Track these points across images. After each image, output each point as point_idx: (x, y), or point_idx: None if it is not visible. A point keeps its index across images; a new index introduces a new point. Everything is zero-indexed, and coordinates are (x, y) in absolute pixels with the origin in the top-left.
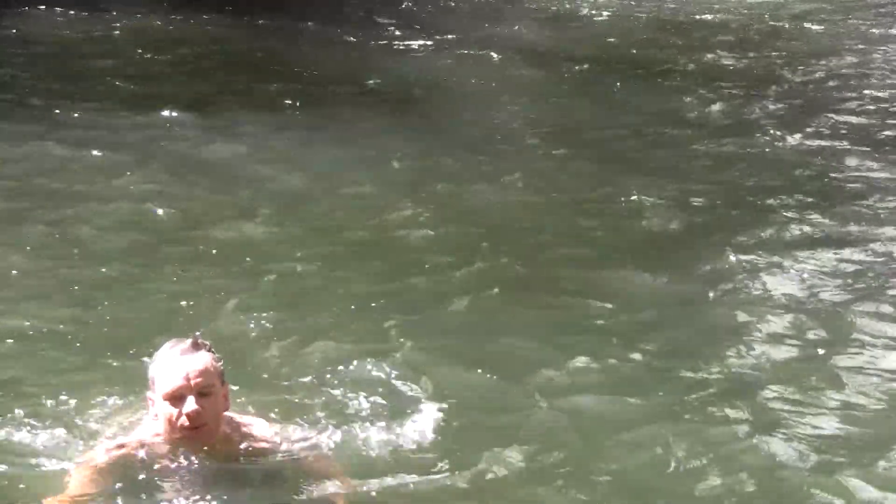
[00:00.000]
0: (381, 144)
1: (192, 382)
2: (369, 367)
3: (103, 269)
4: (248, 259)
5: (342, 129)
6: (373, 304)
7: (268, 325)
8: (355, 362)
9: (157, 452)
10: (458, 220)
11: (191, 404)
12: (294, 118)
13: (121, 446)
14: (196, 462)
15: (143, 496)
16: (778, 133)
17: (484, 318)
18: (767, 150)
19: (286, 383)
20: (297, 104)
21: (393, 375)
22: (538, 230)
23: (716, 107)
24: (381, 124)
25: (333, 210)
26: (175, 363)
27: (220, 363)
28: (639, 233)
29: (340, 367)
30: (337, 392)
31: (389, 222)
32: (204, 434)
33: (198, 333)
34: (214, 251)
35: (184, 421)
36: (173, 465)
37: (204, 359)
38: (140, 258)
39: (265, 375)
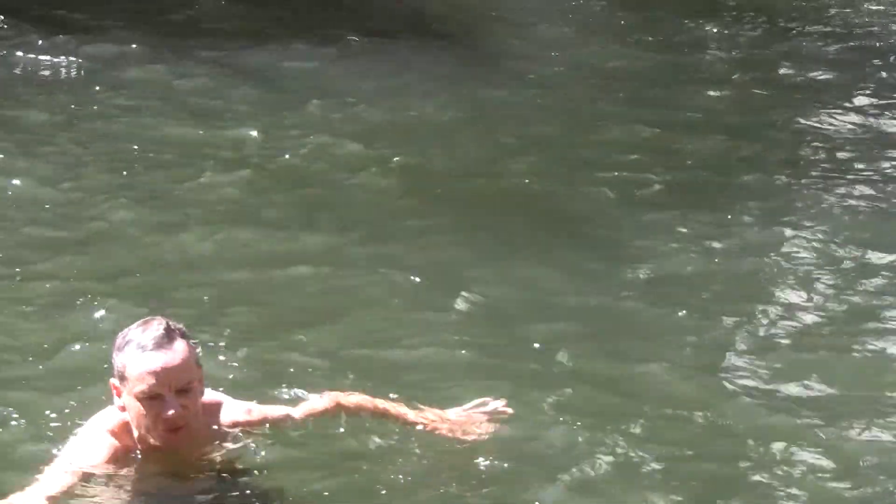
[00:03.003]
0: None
1: (171, 383)
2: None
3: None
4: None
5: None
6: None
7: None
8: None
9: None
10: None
11: (171, 406)
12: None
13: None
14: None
15: None
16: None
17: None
18: None
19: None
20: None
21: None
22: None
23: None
24: (434, 54)
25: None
26: (149, 359)
27: (197, 349)
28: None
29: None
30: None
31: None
32: (183, 436)
33: (178, 325)
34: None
35: (163, 425)
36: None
37: (181, 350)
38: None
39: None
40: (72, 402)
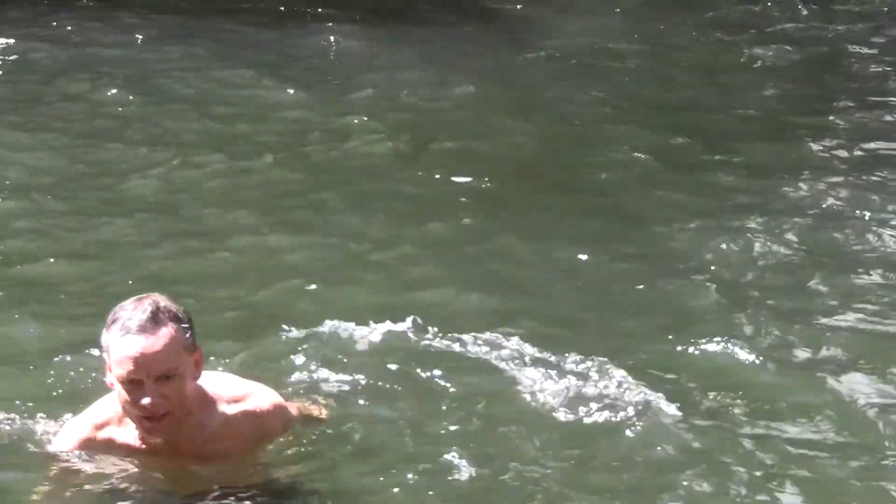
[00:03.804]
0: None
1: (150, 370)
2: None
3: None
4: None
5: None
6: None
7: None
8: None
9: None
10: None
11: (148, 395)
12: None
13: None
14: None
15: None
16: None
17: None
18: None
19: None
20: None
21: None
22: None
23: None
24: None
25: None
26: (129, 343)
27: (187, 333)
28: None
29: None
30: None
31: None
32: (166, 426)
33: (172, 306)
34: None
35: (140, 412)
36: (136, 463)
37: (164, 336)
38: None
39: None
40: None
